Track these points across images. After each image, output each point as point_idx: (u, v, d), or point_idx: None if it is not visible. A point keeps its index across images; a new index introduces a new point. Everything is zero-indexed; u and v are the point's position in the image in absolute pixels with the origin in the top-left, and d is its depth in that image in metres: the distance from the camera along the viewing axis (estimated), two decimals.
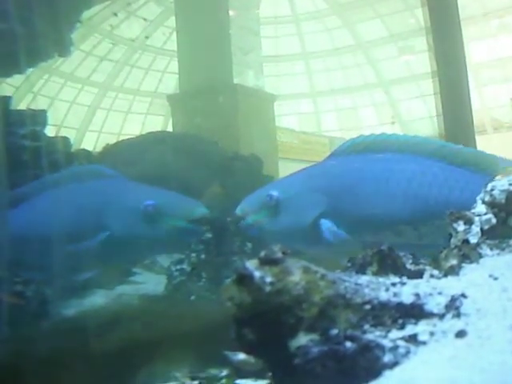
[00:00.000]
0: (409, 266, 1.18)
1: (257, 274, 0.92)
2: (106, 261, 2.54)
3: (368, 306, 0.91)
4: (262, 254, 0.95)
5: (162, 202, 2.45)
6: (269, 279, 0.91)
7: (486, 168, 2.26)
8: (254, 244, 2.86)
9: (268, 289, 0.90)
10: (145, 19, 12.87)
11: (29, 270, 2.34)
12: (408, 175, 2.28)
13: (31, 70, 3.68)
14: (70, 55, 3.74)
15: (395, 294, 0.95)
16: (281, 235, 2.32)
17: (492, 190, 1.26)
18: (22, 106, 4.66)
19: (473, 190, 2.18)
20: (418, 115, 14.77)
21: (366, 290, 0.94)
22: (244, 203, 2.42)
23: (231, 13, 7.80)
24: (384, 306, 0.92)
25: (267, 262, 0.94)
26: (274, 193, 2.32)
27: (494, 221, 1.23)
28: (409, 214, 2.23)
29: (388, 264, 1.18)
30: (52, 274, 2.34)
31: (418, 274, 1.15)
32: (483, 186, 2.17)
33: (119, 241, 2.40)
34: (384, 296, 0.94)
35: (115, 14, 11.44)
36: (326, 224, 2.25)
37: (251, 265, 0.94)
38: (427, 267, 1.17)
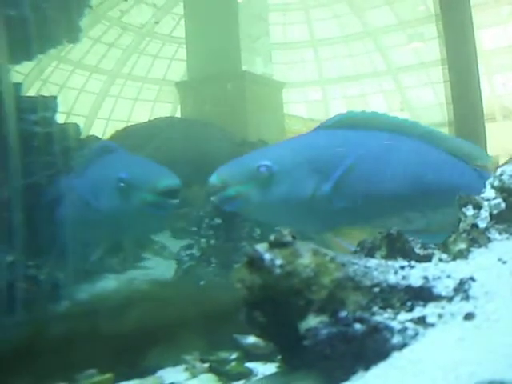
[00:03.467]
0: (417, 250, 1.19)
1: (267, 256, 0.93)
2: (93, 236, 2.54)
3: (377, 289, 0.92)
4: (272, 237, 0.96)
5: (132, 174, 2.37)
6: (279, 262, 0.92)
7: (465, 156, 2.29)
8: (263, 229, 2.87)
9: (278, 271, 0.91)
10: (155, 5, 12.83)
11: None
12: (405, 155, 2.23)
13: (41, 56, 3.68)
14: (79, 41, 3.75)
15: (404, 277, 0.96)
16: (274, 210, 2.18)
17: (501, 174, 1.26)
18: (32, 93, 4.67)
19: (460, 174, 2.22)
20: (427, 103, 14.68)
21: (375, 273, 0.95)
22: (222, 172, 2.17)
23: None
24: (393, 288, 0.93)
25: (277, 244, 0.95)
26: (267, 163, 2.12)
27: (503, 205, 1.23)
28: (407, 191, 2.17)
29: (397, 248, 1.19)
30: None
31: (427, 258, 1.16)
32: (467, 171, 2.21)
33: (101, 215, 2.40)
34: (393, 279, 0.95)
35: None
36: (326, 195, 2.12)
37: (261, 248, 0.95)
38: (436, 251, 1.18)
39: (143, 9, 12.99)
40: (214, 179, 2.14)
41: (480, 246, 1.16)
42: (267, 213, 2.22)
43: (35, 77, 9.02)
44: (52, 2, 2.90)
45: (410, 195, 2.18)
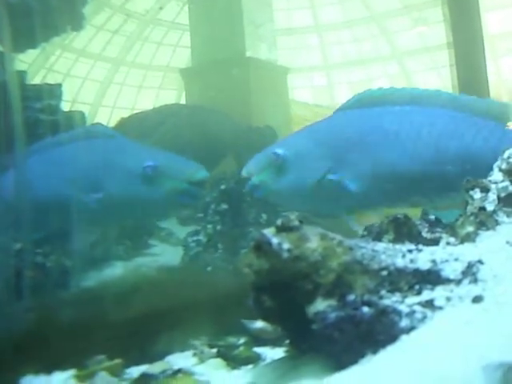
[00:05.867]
0: (425, 234, 1.19)
1: (274, 240, 0.93)
2: (104, 222, 2.52)
3: (385, 272, 0.92)
4: (279, 221, 0.96)
5: (163, 164, 2.39)
6: (286, 246, 0.92)
7: (498, 116, 2.19)
8: (269, 215, 2.87)
9: (286, 255, 0.92)
10: None
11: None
12: (417, 126, 2.18)
13: (45, 45, 3.68)
14: (82, 29, 3.73)
15: (412, 261, 0.96)
16: (287, 195, 2.26)
17: (509, 157, 1.26)
18: (37, 82, 4.67)
19: (485, 138, 2.14)
20: (432, 87, 14.60)
21: (383, 257, 0.95)
22: (249, 163, 2.31)
23: None
24: (401, 271, 0.93)
25: (284, 229, 0.95)
26: (279, 150, 2.22)
27: (510, 188, 1.22)
28: (420, 164, 2.13)
29: (404, 232, 1.19)
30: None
31: (434, 242, 1.16)
32: (496, 132, 2.12)
33: (117, 202, 2.37)
34: (400, 262, 0.95)
35: None
36: (335, 179, 2.17)
37: (269, 232, 0.95)
38: (443, 235, 1.18)
39: None
40: (243, 170, 2.32)
41: (488, 229, 1.15)
42: (285, 198, 2.33)
43: (39, 65, 9.00)
44: None
45: (423, 169, 2.13)
